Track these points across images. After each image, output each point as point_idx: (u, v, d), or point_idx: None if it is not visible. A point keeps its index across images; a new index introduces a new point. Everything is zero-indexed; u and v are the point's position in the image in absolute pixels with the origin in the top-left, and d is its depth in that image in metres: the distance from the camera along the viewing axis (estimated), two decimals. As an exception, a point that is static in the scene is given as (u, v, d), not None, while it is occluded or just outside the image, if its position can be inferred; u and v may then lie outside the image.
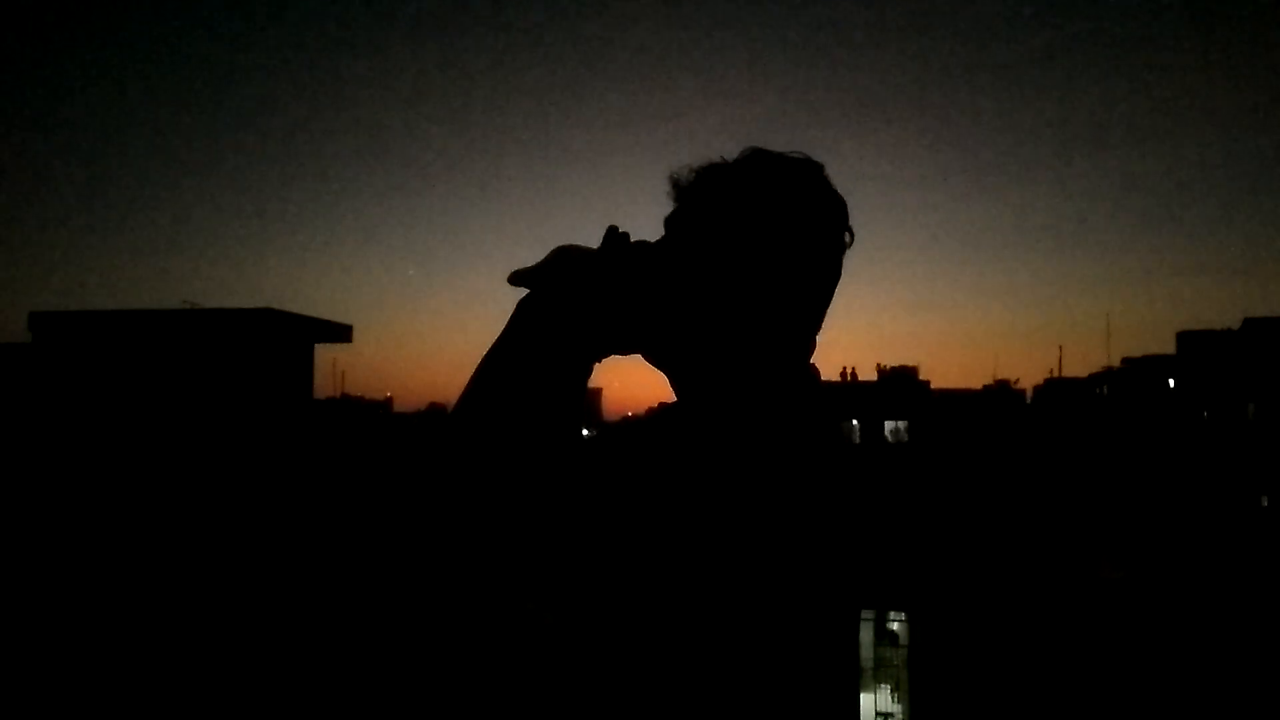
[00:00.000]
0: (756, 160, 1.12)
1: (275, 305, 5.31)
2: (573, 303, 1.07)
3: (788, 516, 0.98)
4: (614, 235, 1.11)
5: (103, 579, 4.62)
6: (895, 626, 18.14)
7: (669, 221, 1.15)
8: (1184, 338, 32.85)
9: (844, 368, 35.03)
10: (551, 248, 1.12)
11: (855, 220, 1.17)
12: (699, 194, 1.13)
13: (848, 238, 1.14)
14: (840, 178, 1.17)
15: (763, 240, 1.09)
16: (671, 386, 1.17)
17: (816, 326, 1.15)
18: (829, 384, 1.22)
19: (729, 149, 1.15)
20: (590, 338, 1.09)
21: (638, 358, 1.16)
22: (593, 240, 1.12)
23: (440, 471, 1.04)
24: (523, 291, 1.11)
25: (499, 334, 1.10)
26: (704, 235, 1.10)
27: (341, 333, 6.02)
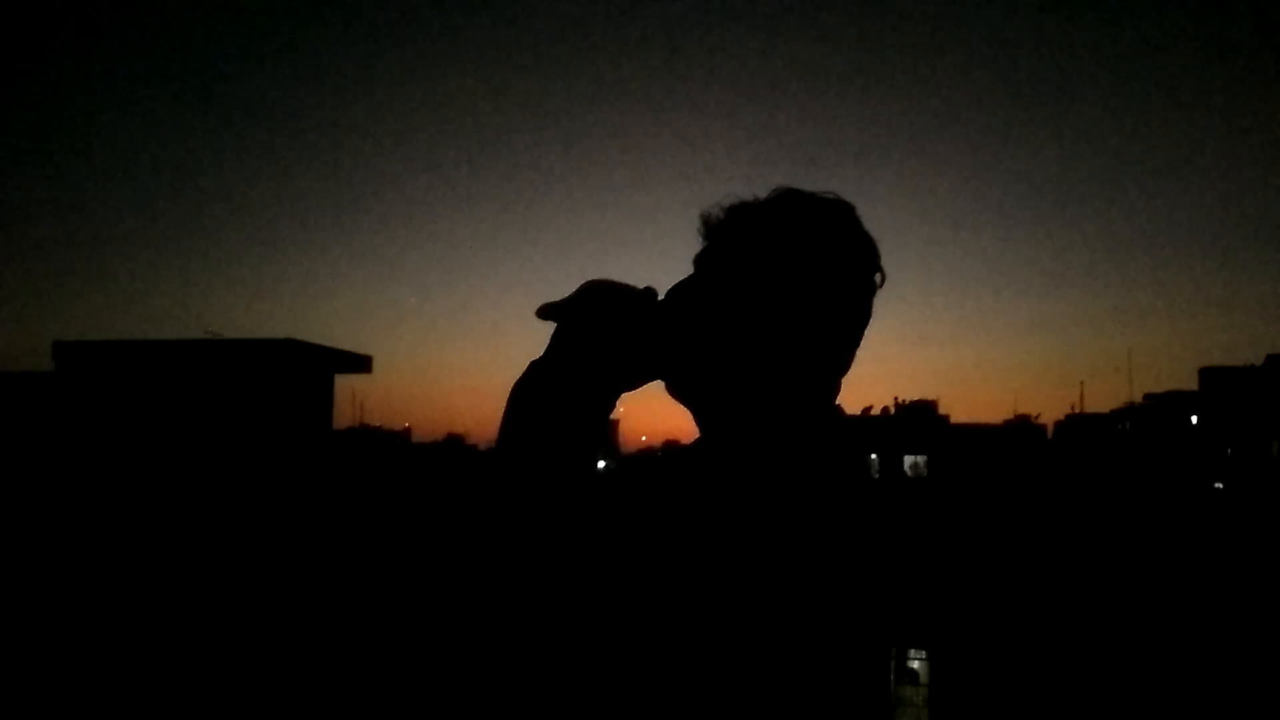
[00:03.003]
0: (788, 200, 1.11)
1: (296, 336, 5.34)
2: (602, 337, 1.06)
3: (815, 556, 0.97)
4: (647, 293, 1.11)
5: (125, 604, 4.63)
6: (916, 665, 17.92)
7: (699, 259, 1.15)
8: (1207, 374, 32.61)
9: (867, 407, 34.90)
10: (572, 282, 1.11)
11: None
12: (729, 233, 1.12)
13: (878, 279, 1.13)
14: (862, 212, 1.16)
15: (793, 281, 1.08)
16: (696, 422, 1.16)
17: (845, 368, 1.14)
18: (848, 418, 1.21)
19: (757, 187, 1.15)
20: (618, 371, 1.08)
21: (657, 389, 1.15)
22: (618, 275, 1.12)
23: (484, 506, 1.04)
24: (550, 325, 1.11)
25: (529, 365, 1.09)
26: (734, 274, 1.10)
27: (361, 363, 6.05)
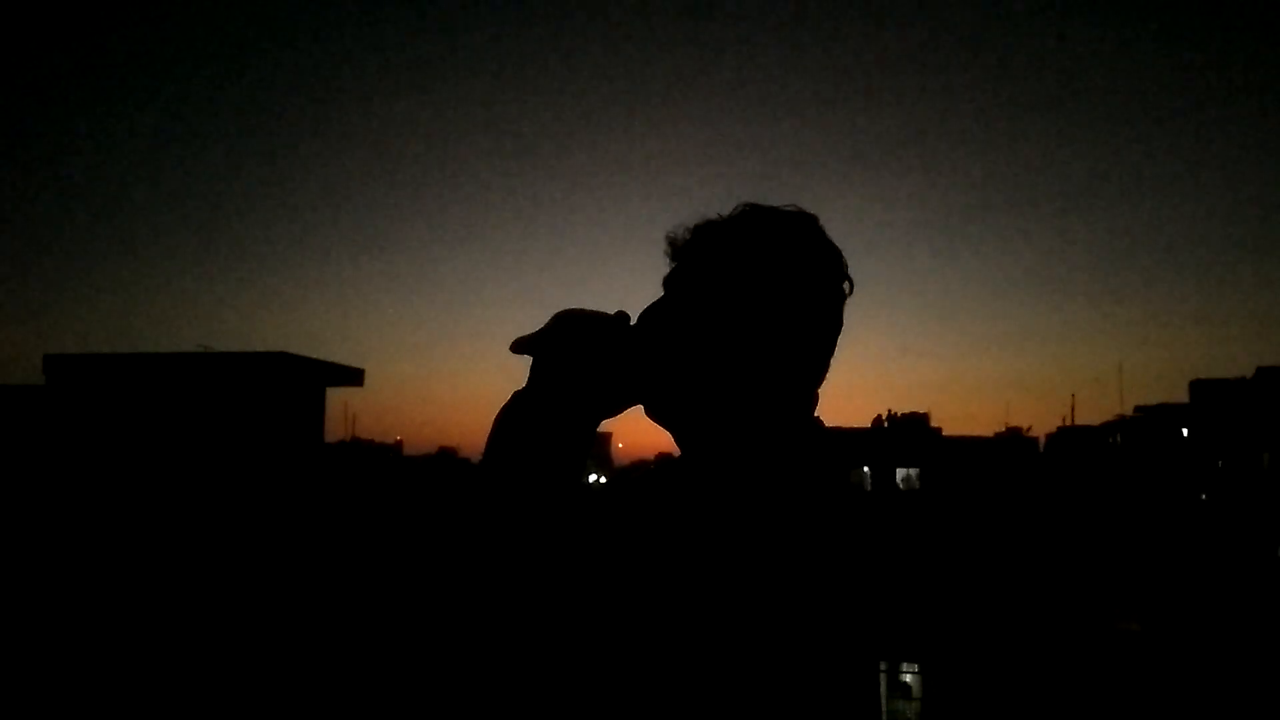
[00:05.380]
0: (750, 216, 1.13)
1: (288, 349, 5.34)
2: (577, 369, 1.08)
3: (797, 571, 0.98)
4: (619, 318, 1.13)
5: (117, 617, 4.62)
6: (908, 678, 17.89)
7: (667, 281, 1.16)
8: (1197, 386, 32.69)
9: (877, 416, 35.03)
10: (558, 290, 1.13)
11: (865, 269, 1.17)
12: (695, 253, 1.14)
13: (847, 287, 1.14)
14: (848, 226, 1.17)
15: (760, 295, 1.09)
16: (676, 442, 1.17)
17: (819, 379, 1.15)
18: (838, 430, 1.22)
19: (725, 205, 1.16)
20: (595, 401, 1.10)
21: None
22: (605, 286, 1.13)
23: (468, 527, 1.05)
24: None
25: (512, 395, 1.11)
26: (702, 294, 1.11)
27: (353, 376, 6.05)
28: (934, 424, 36.37)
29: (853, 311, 1.16)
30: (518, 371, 1.13)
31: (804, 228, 1.13)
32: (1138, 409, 36.25)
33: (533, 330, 1.12)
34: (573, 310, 1.12)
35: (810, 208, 1.17)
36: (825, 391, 1.18)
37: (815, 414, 1.16)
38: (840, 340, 1.17)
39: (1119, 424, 37.02)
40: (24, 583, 4.65)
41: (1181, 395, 33.94)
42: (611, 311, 1.13)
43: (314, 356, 5.75)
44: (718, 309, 1.10)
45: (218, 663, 4.47)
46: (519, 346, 1.11)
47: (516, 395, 1.10)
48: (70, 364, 5.23)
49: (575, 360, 1.08)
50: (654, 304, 1.16)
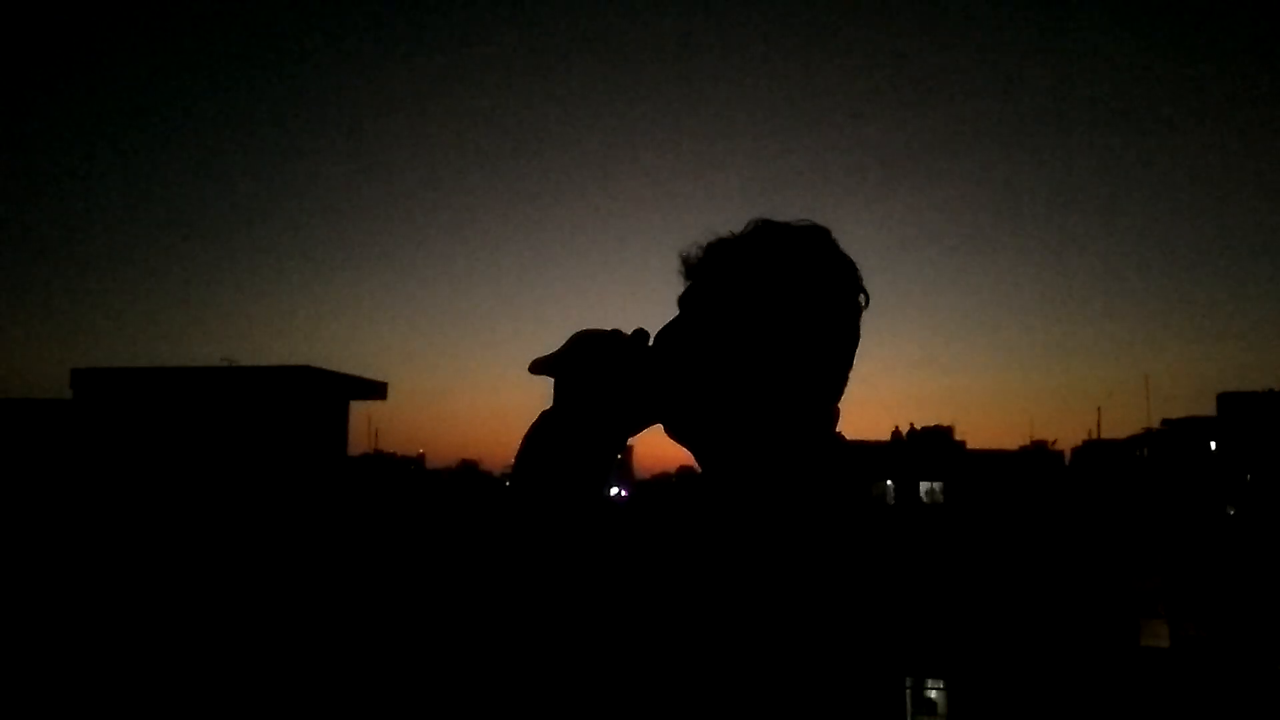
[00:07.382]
0: (763, 231, 1.13)
1: (312, 362, 5.37)
2: (598, 391, 1.09)
3: (820, 587, 0.97)
4: (637, 337, 1.13)
5: (143, 629, 4.65)
6: (933, 694, 17.73)
7: (682, 300, 1.17)
8: (1225, 399, 32.34)
9: (895, 429, 34.86)
10: (577, 306, 1.13)
11: (887, 282, 1.17)
12: (709, 270, 1.14)
13: (862, 300, 1.14)
14: (867, 239, 1.17)
15: (775, 311, 1.09)
16: (696, 461, 1.17)
17: (838, 393, 1.15)
18: (861, 444, 1.21)
19: (738, 222, 1.16)
20: (616, 420, 1.10)
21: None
22: (612, 314, 1.13)
23: (504, 545, 1.06)
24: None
25: (540, 416, 1.12)
26: (717, 311, 1.11)
27: (376, 390, 6.08)
28: (958, 437, 36.13)
29: (874, 324, 1.16)
30: (538, 386, 1.14)
31: (817, 241, 1.13)
32: (1165, 422, 35.88)
33: (551, 350, 1.13)
34: (590, 331, 1.12)
35: (829, 221, 1.17)
36: (846, 405, 1.17)
37: (837, 429, 1.16)
38: (860, 353, 1.16)
39: (1146, 437, 36.65)
40: (53, 594, 4.69)
41: (1209, 408, 33.59)
42: (628, 330, 1.14)
43: (337, 370, 5.79)
44: (733, 326, 1.10)
45: (243, 673, 4.49)
46: (538, 367, 1.12)
47: (544, 415, 1.11)
48: (97, 378, 5.29)
49: (597, 381, 1.09)
50: (670, 323, 1.16)
